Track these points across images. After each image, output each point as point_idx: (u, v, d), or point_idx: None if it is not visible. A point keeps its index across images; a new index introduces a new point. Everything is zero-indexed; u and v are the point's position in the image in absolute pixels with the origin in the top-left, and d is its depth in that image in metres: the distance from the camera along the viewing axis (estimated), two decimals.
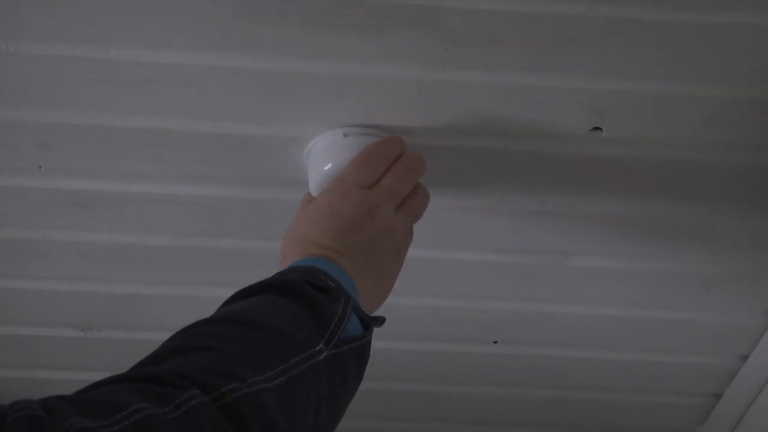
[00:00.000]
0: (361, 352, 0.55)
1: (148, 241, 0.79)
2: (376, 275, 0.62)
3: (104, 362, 0.81)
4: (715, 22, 0.61)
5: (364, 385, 0.57)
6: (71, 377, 0.86)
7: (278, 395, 0.48)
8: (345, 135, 0.68)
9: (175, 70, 0.64)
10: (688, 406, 1.01)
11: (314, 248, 0.60)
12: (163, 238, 0.79)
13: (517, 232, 0.79)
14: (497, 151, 0.71)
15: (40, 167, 0.72)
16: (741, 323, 0.89)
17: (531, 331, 0.91)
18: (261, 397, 0.46)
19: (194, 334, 0.50)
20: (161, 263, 0.82)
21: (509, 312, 0.88)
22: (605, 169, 0.73)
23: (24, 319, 0.89)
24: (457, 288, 0.86)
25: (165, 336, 0.51)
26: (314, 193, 0.68)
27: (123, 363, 0.48)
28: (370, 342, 0.57)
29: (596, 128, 0.69)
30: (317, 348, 0.52)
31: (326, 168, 0.67)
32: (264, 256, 0.66)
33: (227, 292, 0.56)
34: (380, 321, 0.60)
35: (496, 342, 0.92)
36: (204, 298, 0.66)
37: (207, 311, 0.54)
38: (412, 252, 0.67)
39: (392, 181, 0.64)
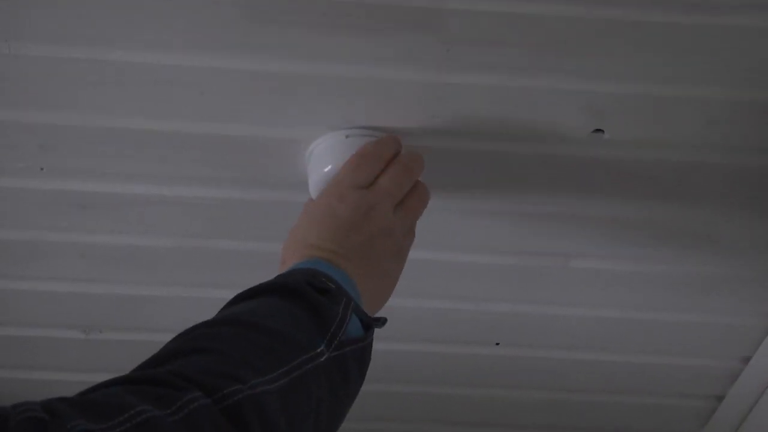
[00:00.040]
0: (362, 354, 0.55)
1: (148, 243, 0.80)
2: (376, 276, 0.62)
3: (106, 364, 0.81)
4: (714, 23, 0.61)
5: (365, 386, 0.57)
6: (73, 378, 0.86)
7: (279, 397, 0.48)
8: (347, 136, 0.68)
9: (175, 71, 0.64)
10: (690, 409, 1.01)
11: (314, 250, 0.60)
12: (164, 239, 0.79)
13: (519, 234, 0.79)
14: (499, 152, 0.71)
15: (42, 169, 0.72)
16: (743, 325, 0.89)
17: (532, 333, 0.91)
18: (262, 399, 0.46)
19: (196, 336, 0.50)
20: (162, 264, 0.82)
21: (510, 314, 0.88)
22: (606, 171, 0.72)
23: (25, 320, 0.89)
24: (458, 290, 0.86)
25: (167, 337, 0.51)
26: (314, 195, 0.68)
27: (125, 364, 0.48)
28: (371, 343, 0.57)
29: (598, 130, 0.69)
30: (318, 350, 0.52)
31: (326, 170, 0.67)
32: (264, 258, 0.67)
33: (228, 294, 0.56)
34: (381, 322, 0.60)
35: (498, 344, 0.92)
36: (205, 299, 0.66)
37: (208, 312, 0.54)
38: (414, 253, 0.67)
39: (389, 182, 0.64)
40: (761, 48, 0.63)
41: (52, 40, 0.62)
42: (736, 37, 0.62)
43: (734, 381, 0.96)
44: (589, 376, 0.96)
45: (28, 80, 0.65)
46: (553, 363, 0.94)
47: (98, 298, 0.86)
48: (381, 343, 0.66)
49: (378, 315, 0.61)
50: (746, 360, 0.93)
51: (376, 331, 0.59)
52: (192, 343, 0.50)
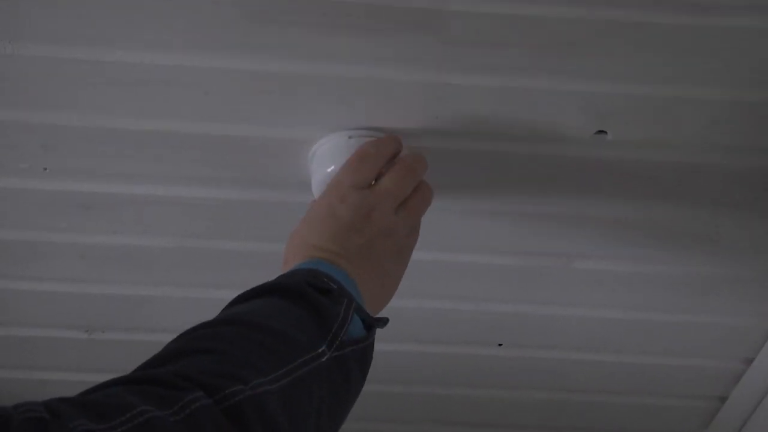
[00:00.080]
0: (363, 354, 0.55)
1: (148, 243, 0.80)
2: (378, 276, 0.62)
3: (107, 364, 0.81)
4: (715, 25, 0.61)
5: (367, 387, 0.57)
6: (74, 378, 0.86)
7: (281, 397, 0.48)
8: (350, 137, 0.68)
9: (175, 72, 0.64)
10: (692, 409, 1.01)
11: (316, 251, 0.60)
12: (164, 239, 0.79)
13: (519, 234, 0.79)
14: (499, 153, 0.71)
15: (45, 169, 0.72)
16: (744, 326, 0.89)
17: (534, 333, 0.91)
18: (264, 399, 0.46)
19: (197, 336, 0.50)
20: (162, 265, 0.82)
21: (511, 314, 0.88)
22: (606, 172, 0.73)
23: (26, 320, 0.89)
24: (460, 290, 0.86)
25: (167, 338, 0.51)
26: (317, 196, 0.68)
27: (125, 364, 0.49)
28: (372, 344, 0.57)
29: (601, 131, 0.69)
30: (319, 350, 0.52)
31: (329, 170, 0.67)
32: (265, 258, 0.67)
33: (229, 294, 0.56)
34: (383, 322, 0.60)
35: (501, 344, 0.92)
36: (206, 299, 0.66)
37: (209, 313, 0.54)
38: (415, 254, 0.67)
39: (391, 182, 0.64)
40: (761, 48, 0.63)
41: (52, 40, 0.62)
42: (737, 37, 0.62)
43: (737, 382, 0.96)
44: (590, 377, 0.96)
45: (29, 80, 0.65)
46: (554, 363, 0.94)
47: (98, 299, 0.86)
48: (381, 343, 0.66)
49: (379, 315, 0.61)
50: (749, 361, 0.93)
51: (377, 331, 0.59)
52: (193, 343, 0.50)
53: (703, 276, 0.83)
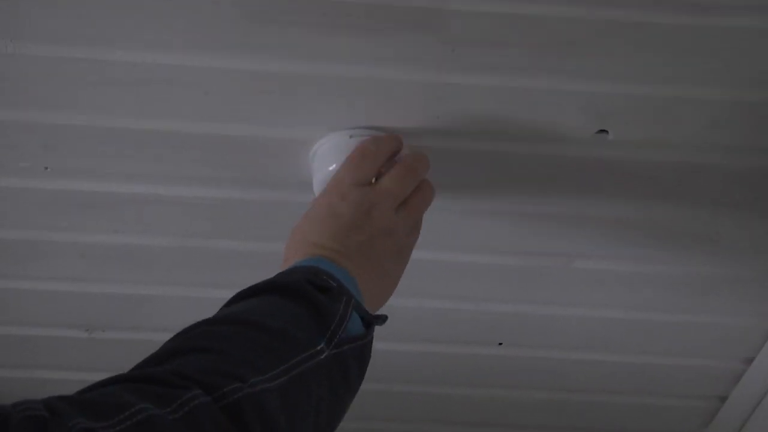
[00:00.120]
0: (362, 352, 0.55)
1: (148, 242, 0.80)
2: (377, 274, 0.62)
3: (107, 363, 0.81)
4: (715, 25, 0.61)
5: (366, 386, 0.57)
6: (74, 377, 0.86)
7: (279, 395, 0.48)
8: (351, 136, 0.68)
9: (175, 71, 0.64)
10: (693, 409, 1.01)
11: (316, 249, 0.60)
12: (164, 239, 0.79)
13: (519, 234, 0.79)
14: (499, 153, 0.71)
15: (46, 168, 0.72)
16: (744, 326, 0.89)
17: (533, 333, 0.91)
18: (262, 397, 0.46)
19: (196, 334, 0.50)
20: (162, 264, 0.82)
21: (511, 314, 0.88)
22: (606, 172, 0.73)
23: (26, 319, 0.89)
24: (459, 290, 0.86)
25: (167, 337, 0.51)
26: (318, 195, 0.68)
27: (125, 363, 0.49)
28: (371, 341, 0.57)
29: (602, 131, 0.69)
30: (318, 348, 0.52)
31: (330, 168, 0.67)
32: (265, 258, 0.67)
33: (229, 294, 0.56)
34: (382, 319, 0.60)
35: (501, 344, 0.92)
36: (206, 299, 0.66)
37: (209, 312, 0.54)
38: (415, 253, 0.67)
39: (392, 182, 0.64)
40: (761, 48, 0.63)
41: (53, 39, 0.62)
42: (737, 37, 0.62)
43: (737, 381, 0.96)
44: (590, 377, 0.96)
45: (29, 80, 0.65)
46: (554, 363, 0.94)
47: (99, 298, 0.86)
48: (381, 342, 0.66)
49: (379, 313, 0.61)
50: (749, 361, 0.93)
51: (377, 330, 0.59)
52: (191, 341, 0.50)
53: (703, 276, 0.83)
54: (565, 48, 0.63)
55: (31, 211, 0.76)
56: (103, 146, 0.70)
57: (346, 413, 0.55)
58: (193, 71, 0.64)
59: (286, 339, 0.51)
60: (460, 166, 0.72)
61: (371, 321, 0.57)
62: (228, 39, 0.63)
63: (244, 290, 0.56)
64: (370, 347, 0.57)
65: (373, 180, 0.65)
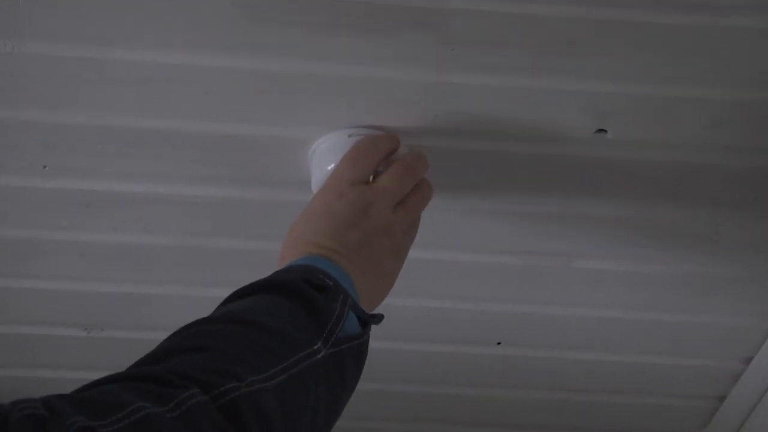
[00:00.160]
0: (359, 351, 0.55)
1: (148, 241, 0.80)
2: (374, 273, 0.62)
3: (107, 362, 0.81)
4: (715, 25, 0.61)
5: (365, 386, 0.57)
6: (74, 376, 0.86)
7: (276, 394, 0.48)
8: (350, 136, 0.68)
9: (175, 71, 0.64)
10: (691, 409, 1.01)
11: (313, 247, 0.60)
12: (164, 237, 0.79)
13: (519, 234, 0.79)
14: (499, 152, 0.71)
15: (45, 167, 0.72)
16: (743, 326, 0.89)
17: (533, 333, 0.91)
18: (259, 397, 0.47)
19: (193, 333, 0.51)
20: (162, 263, 0.82)
21: (511, 314, 0.88)
22: (606, 171, 0.73)
23: (26, 318, 0.89)
24: (458, 290, 0.86)
25: (166, 336, 0.51)
26: None
27: (126, 363, 0.49)
28: (368, 340, 0.57)
29: (601, 130, 0.69)
30: (315, 347, 0.52)
31: (329, 167, 0.67)
32: (265, 257, 0.67)
33: (228, 293, 0.56)
34: (378, 319, 0.60)
35: (499, 343, 0.92)
36: (205, 298, 0.66)
37: (208, 311, 0.55)
38: (414, 253, 0.67)
39: (390, 180, 0.64)
40: (761, 49, 0.63)
41: (52, 38, 0.62)
42: (737, 37, 0.62)
43: (736, 381, 0.96)
44: (589, 376, 0.96)
45: (29, 78, 0.65)
46: (554, 363, 0.94)
47: (98, 297, 0.86)
48: (381, 342, 0.66)
49: (375, 312, 0.61)
50: (748, 361, 0.93)
51: (376, 330, 0.59)
52: (189, 340, 0.50)
53: (703, 276, 0.83)
54: (565, 48, 0.63)
55: (30, 210, 0.76)
56: (102, 145, 0.70)
57: (342, 412, 0.55)
58: (193, 70, 0.64)
59: (283, 338, 0.51)
60: (460, 166, 0.72)
61: (368, 320, 0.57)
62: (228, 39, 0.63)
63: (241, 289, 0.56)
64: (367, 346, 0.57)
65: (371, 178, 0.65)
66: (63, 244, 0.80)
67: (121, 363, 0.49)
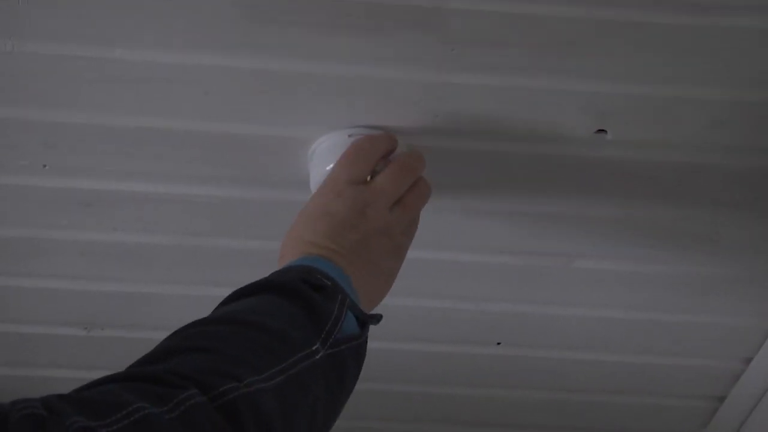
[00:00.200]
0: (357, 352, 0.55)
1: (148, 240, 0.80)
2: (372, 273, 0.62)
3: (106, 361, 0.81)
4: (715, 25, 0.61)
5: (365, 386, 0.58)
6: (74, 376, 0.87)
7: (275, 395, 0.48)
8: (349, 136, 0.68)
9: (175, 70, 0.64)
10: (691, 409, 1.01)
11: (311, 248, 0.61)
12: (164, 237, 0.79)
13: (519, 234, 0.79)
14: (499, 152, 0.71)
15: (45, 166, 0.72)
16: (743, 326, 0.89)
17: (533, 333, 0.91)
18: (258, 397, 0.47)
19: (192, 333, 0.51)
20: (161, 262, 0.82)
21: (511, 314, 0.88)
22: (606, 171, 0.72)
23: (26, 317, 0.89)
24: (458, 290, 0.86)
25: (166, 335, 0.51)
26: None
27: (126, 362, 0.49)
28: (366, 341, 0.57)
29: (601, 131, 0.69)
30: (314, 348, 0.52)
31: (328, 168, 0.67)
32: (265, 256, 0.67)
33: (228, 292, 0.56)
34: (377, 319, 0.60)
35: (499, 343, 0.92)
36: (205, 297, 0.66)
37: (208, 310, 0.55)
38: (414, 253, 0.67)
39: (386, 180, 0.64)
40: (761, 49, 0.63)
41: (52, 37, 0.62)
42: (737, 37, 0.62)
43: (736, 381, 0.96)
44: (589, 376, 0.96)
45: (29, 78, 0.65)
46: (553, 363, 0.94)
47: (98, 296, 0.86)
48: (381, 342, 0.67)
49: (374, 312, 0.61)
50: (748, 361, 0.93)
51: (376, 330, 0.59)
52: (188, 341, 0.50)
53: (703, 276, 0.83)
54: (565, 48, 0.63)
55: (30, 209, 0.76)
56: (102, 144, 0.70)
57: (342, 412, 0.56)
58: (193, 70, 0.64)
59: (282, 339, 0.51)
60: (460, 166, 0.72)
61: (366, 320, 0.58)
62: (228, 38, 0.63)
63: (240, 289, 0.56)
64: (365, 347, 0.57)
65: (368, 178, 0.65)
66: (63, 243, 0.80)
67: (121, 362, 0.49)
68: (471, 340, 0.92)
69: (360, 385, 0.57)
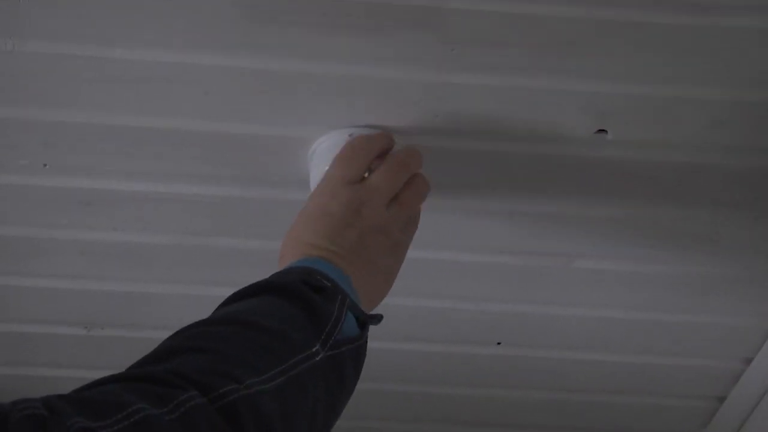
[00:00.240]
0: (357, 353, 0.55)
1: (148, 240, 0.80)
2: (371, 272, 0.62)
3: (107, 361, 0.81)
4: (715, 25, 0.61)
5: (365, 386, 0.57)
6: (74, 375, 0.87)
7: (275, 397, 0.48)
8: (350, 135, 0.68)
9: (175, 70, 0.64)
10: (691, 409, 1.01)
11: (310, 248, 0.61)
12: (164, 236, 0.79)
13: (519, 234, 0.79)
14: (499, 152, 0.71)
15: (45, 165, 0.72)
16: (743, 326, 0.89)
17: (533, 333, 0.91)
18: (258, 399, 0.47)
19: (193, 334, 0.51)
20: (161, 262, 0.82)
21: (511, 314, 0.88)
22: (606, 171, 0.72)
23: (26, 317, 0.89)
24: (458, 290, 0.86)
25: (167, 335, 0.51)
26: None
27: (126, 361, 0.49)
28: (366, 342, 0.57)
29: (601, 131, 0.69)
30: (314, 349, 0.52)
31: (327, 168, 0.67)
32: (265, 256, 0.67)
33: (228, 292, 0.56)
34: (377, 319, 0.60)
35: (499, 343, 0.92)
36: (205, 297, 0.66)
37: (208, 310, 0.55)
38: (414, 253, 0.67)
39: (380, 178, 0.64)
40: (761, 49, 0.63)
41: (52, 37, 0.62)
42: (737, 37, 0.62)
43: (736, 382, 0.95)
44: (589, 376, 0.96)
45: (29, 77, 0.65)
46: (553, 363, 0.94)
47: (98, 295, 0.86)
48: (381, 342, 0.66)
49: (375, 312, 0.61)
50: (748, 361, 0.93)
51: (376, 330, 0.59)
52: (189, 341, 0.50)
53: (703, 276, 0.83)
54: (565, 48, 0.63)
55: (30, 209, 0.76)
56: (102, 144, 0.70)
57: (342, 412, 0.56)
58: (193, 70, 0.64)
59: (283, 340, 0.51)
60: (460, 166, 0.72)
61: (366, 320, 0.58)
62: (228, 38, 0.63)
63: (241, 290, 0.56)
64: (365, 348, 0.57)
65: (364, 176, 0.64)
66: (63, 242, 0.80)
67: (122, 362, 0.49)
68: (471, 340, 0.92)
69: (360, 385, 0.57)
